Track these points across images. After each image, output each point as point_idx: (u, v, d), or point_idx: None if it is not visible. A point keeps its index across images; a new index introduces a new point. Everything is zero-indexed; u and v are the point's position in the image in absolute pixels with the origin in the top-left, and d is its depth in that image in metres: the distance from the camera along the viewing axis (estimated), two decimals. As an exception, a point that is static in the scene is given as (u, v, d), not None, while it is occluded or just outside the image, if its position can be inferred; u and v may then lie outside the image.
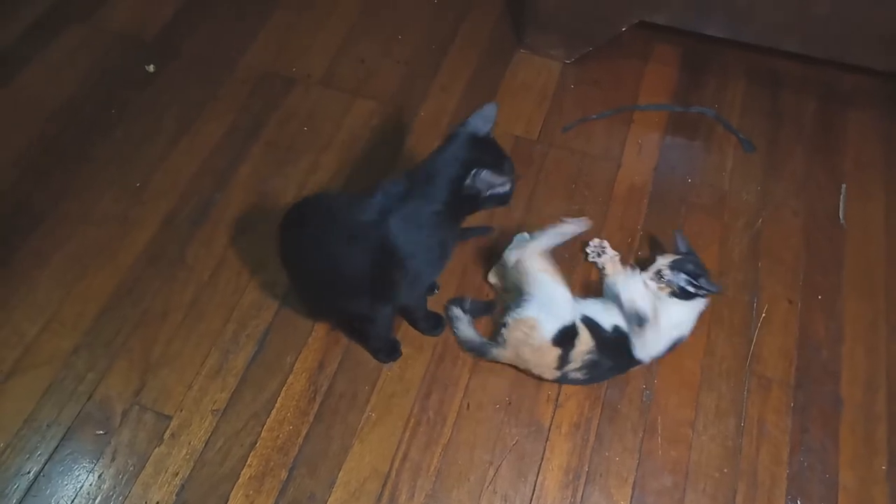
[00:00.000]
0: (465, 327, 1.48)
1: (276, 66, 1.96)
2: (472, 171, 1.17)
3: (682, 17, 1.81)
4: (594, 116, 1.88)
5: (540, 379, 1.44)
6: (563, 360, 1.37)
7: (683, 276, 1.39)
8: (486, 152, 1.23)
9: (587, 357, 1.37)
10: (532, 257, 1.41)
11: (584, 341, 1.36)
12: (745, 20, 1.77)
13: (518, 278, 1.44)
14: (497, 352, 1.42)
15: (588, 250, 1.59)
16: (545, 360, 1.38)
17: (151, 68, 1.92)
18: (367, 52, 2.00)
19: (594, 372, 1.39)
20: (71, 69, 1.92)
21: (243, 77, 1.93)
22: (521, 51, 2.01)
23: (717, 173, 1.79)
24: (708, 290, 1.38)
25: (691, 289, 1.38)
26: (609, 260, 1.53)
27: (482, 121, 1.23)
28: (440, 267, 1.34)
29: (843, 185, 1.77)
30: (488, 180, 1.19)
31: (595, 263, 1.58)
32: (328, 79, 1.94)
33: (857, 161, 1.83)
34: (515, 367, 1.46)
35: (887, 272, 1.64)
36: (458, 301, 1.52)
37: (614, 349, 1.38)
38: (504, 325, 1.42)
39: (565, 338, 1.37)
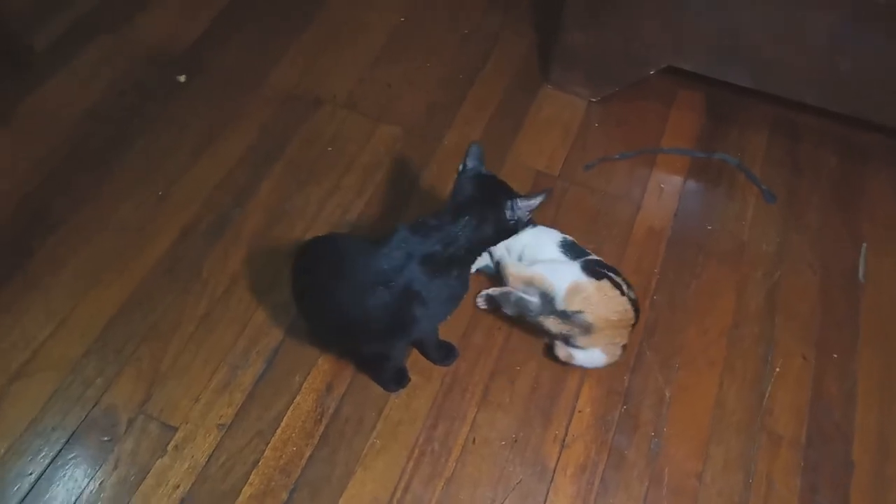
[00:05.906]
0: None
1: (303, 86, 1.97)
2: (510, 203, 1.26)
3: (708, 65, 1.82)
4: (617, 156, 1.88)
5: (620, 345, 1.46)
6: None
7: None
8: (500, 185, 1.32)
9: None
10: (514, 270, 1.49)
11: None
12: (769, 71, 1.78)
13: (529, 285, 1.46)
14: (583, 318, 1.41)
15: None
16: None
17: (182, 78, 1.94)
18: (394, 77, 2.02)
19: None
20: (98, 78, 1.93)
21: (270, 94, 1.95)
22: (547, 86, 2.02)
23: (737, 222, 1.78)
24: None
25: None
26: None
27: (478, 161, 1.32)
28: (458, 302, 1.35)
29: (864, 245, 1.76)
30: (523, 205, 1.26)
31: None
32: (354, 101, 1.95)
33: (874, 218, 1.82)
34: (528, 405, 1.46)
35: (903, 333, 1.63)
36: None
37: None
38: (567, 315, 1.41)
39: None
